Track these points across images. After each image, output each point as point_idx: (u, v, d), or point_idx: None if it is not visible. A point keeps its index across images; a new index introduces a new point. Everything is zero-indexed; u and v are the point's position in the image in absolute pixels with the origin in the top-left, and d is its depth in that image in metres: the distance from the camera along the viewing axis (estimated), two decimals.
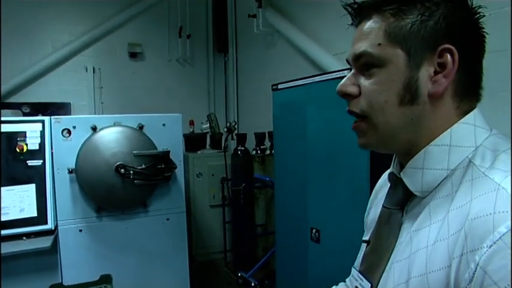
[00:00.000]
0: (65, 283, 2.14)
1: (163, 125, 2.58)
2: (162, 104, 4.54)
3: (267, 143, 3.77)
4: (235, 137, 3.83)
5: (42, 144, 2.32)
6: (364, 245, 0.78)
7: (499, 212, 0.49)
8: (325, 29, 3.14)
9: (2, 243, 2.01)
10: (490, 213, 0.50)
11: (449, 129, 0.62)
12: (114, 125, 2.45)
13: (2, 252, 1.98)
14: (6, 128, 2.24)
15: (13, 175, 2.23)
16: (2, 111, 3.64)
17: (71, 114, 4.15)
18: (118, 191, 2.35)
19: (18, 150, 2.25)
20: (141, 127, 2.50)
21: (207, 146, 4.41)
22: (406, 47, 0.61)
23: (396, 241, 0.66)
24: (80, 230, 2.41)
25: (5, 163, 2.22)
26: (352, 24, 0.69)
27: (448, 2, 0.61)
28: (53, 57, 4.30)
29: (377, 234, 0.72)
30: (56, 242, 2.31)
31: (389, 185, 0.73)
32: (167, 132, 2.58)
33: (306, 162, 2.20)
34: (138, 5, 4.66)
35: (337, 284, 0.91)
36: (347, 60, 0.69)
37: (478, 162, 0.58)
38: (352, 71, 0.67)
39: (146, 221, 2.57)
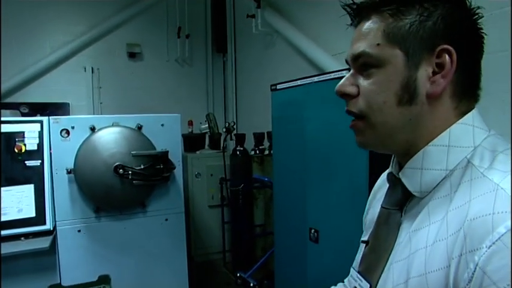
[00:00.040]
0: (64, 284, 2.14)
1: (162, 125, 2.57)
2: (160, 104, 4.53)
3: (266, 143, 3.76)
4: (234, 137, 3.83)
5: (40, 145, 2.31)
6: (363, 245, 0.78)
7: (498, 213, 0.49)
8: (324, 29, 3.14)
9: (0, 244, 2.01)
10: (489, 214, 0.50)
11: (447, 130, 0.62)
12: (113, 125, 2.45)
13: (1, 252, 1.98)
14: (4, 128, 2.24)
15: (11, 175, 2.23)
16: (1, 111, 3.63)
17: (69, 115, 4.13)
18: (117, 191, 2.35)
19: (16, 150, 2.24)
20: (139, 127, 2.50)
21: (206, 146, 4.41)
22: (404, 47, 0.61)
23: (395, 241, 0.67)
24: (79, 231, 2.41)
25: (3, 163, 2.21)
26: (351, 24, 0.69)
27: (447, 3, 0.61)
28: (52, 57, 4.29)
29: (376, 235, 0.72)
30: (54, 243, 2.31)
31: (388, 185, 0.73)
32: (166, 133, 2.57)
33: (304, 163, 2.20)
34: (136, 5, 4.65)
35: (335, 285, 0.91)
36: (346, 61, 0.69)
37: (476, 163, 0.58)
38: (351, 71, 0.67)
39: (145, 221, 2.57)
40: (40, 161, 2.30)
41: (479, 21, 0.63)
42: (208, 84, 5.12)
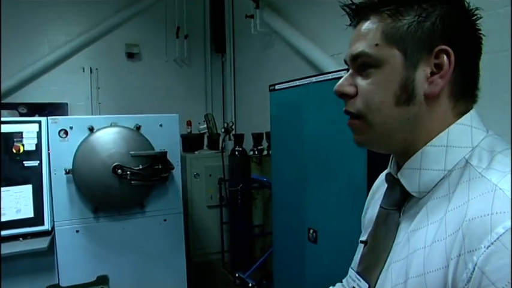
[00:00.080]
0: (62, 284, 2.13)
1: (161, 125, 2.57)
2: (159, 104, 4.52)
3: (265, 144, 3.76)
4: (232, 137, 3.83)
5: (38, 145, 2.31)
6: (361, 246, 0.78)
7: (497, 213, 0.49)
8: (322, 29, 3.14)
9: None
10: (488, 214, 0.50)
11: (446, 130, 0.62)
12: (111, 125, 2.45)
13: None
14: (3, 128, 2.23)
15: (9, 176, 2.22)
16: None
17: (67, 115, 4.13)
18: (115, 191, 2.35)
19: (14, 151, 2.24)
20: (138, 127, 2.50)
21: (205, 147, 4.41)
22: (402, 47, 0.61)
23: (393, 241, 0.67)
24: (77, 231, 2.40)
25: (1, 164, 2.21)
26: (350, 25, 0.69)
27: (445, 4, 0.61)
28: (50, 57, 4.28)
29: (374, 235, 0.72)
30: (52, 243, 2.31)
31: (386, 185, 0.73)
32: (164, 133, 2.57)
33: (303, 163, 2.20)
34: (135, 5, 4.65)
35: (334, 285, 0.91)
36: (345, 61, 0.69)
37: (475, 163, 0.59)
38: (350, 71, 0.68)
39: (143, 221, 2.57)
40: (38, 162, 2.29)
41: (477, 22, 0.63)
42: (207, 84, 5.12)
